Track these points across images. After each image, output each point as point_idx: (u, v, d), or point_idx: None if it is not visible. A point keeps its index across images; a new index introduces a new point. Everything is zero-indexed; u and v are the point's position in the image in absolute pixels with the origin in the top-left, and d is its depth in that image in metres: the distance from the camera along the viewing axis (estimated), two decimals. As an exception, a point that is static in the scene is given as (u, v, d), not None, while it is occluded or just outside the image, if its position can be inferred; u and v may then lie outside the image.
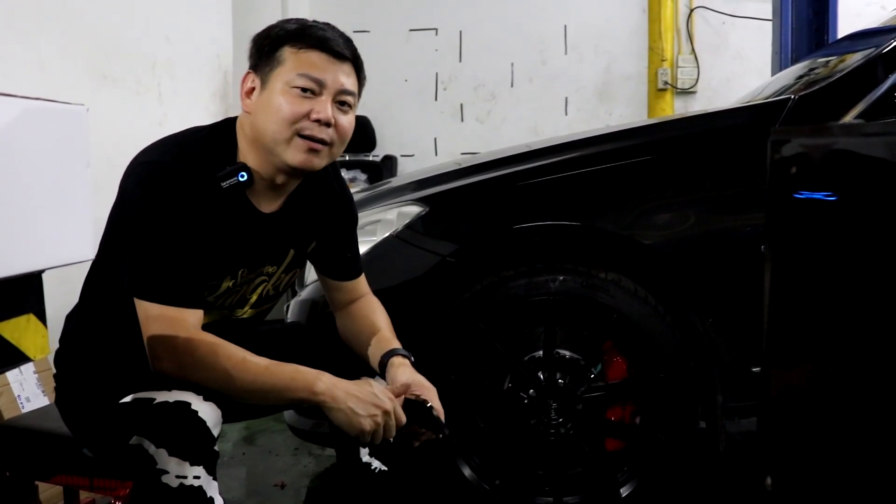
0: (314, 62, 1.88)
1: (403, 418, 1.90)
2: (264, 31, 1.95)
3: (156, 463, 1.69)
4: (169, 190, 1.81)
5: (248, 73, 1.95)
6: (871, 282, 1.28)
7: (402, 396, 1.96)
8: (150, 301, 1.80)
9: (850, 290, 1.30)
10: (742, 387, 2.60)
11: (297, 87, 1.87)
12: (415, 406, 2.00)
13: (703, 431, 2.66)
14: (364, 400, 1.84)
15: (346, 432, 1.88)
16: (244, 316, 2.10)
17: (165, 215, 1.80)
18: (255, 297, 2.09)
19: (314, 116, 1.86)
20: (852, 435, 1.31)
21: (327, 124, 1.88)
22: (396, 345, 2.12)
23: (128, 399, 1.78)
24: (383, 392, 1.88)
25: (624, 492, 2.69)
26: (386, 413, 1.86)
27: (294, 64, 1.87)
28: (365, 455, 2.10)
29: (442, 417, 2.05)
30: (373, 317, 2.19)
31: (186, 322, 1.80)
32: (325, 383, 1.83)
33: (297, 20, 1.95)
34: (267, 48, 1.91)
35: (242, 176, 1.88)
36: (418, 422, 2.03)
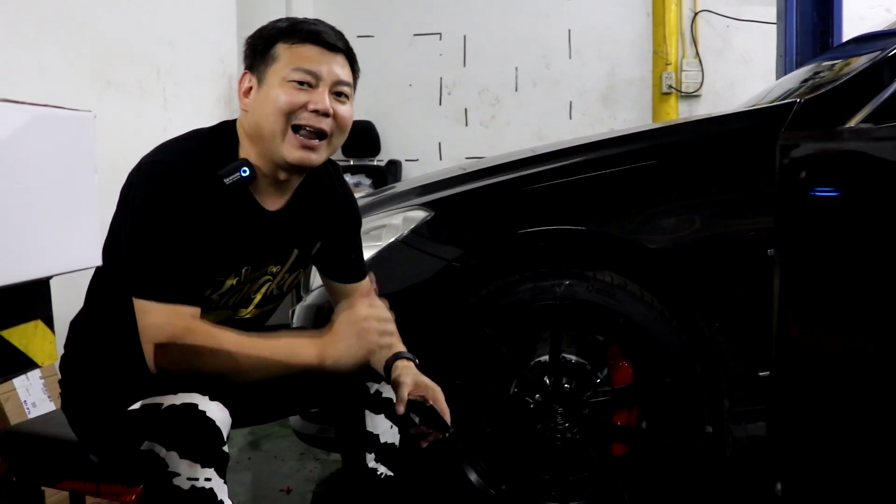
0: (308, 55, 1.90)
1: (385, 313, 1.96)
2: (257, 31, 1.97)
3: (167, 466, 1.69)
4: (171, 187, 1.82)
5: (245, 73, 1.97)
6: (881, 285, 1.27)
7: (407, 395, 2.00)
8: (148, 299, 1.81)
9: (861, 293, 1.30)
10: (749, 391, 2.59)
11: (294, 81, 1.88)
12: (419, 406, 2.01)
13: (709, 436, 2.65)
14: (351, 334, 1.90)
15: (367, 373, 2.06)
16: (248, 316, 2.10)
17: (167, 212, 1.81)
18: (258, 297, 2.09)
19: (312, 107, 1.88)
20: (863, 440, 1.31)
21: (325, 114, 1.89)
22: (401, 348, 2.13)
23: (136, 406, 1.78)
24: (349, 315, 1.92)
25: (630, 496, 2.68)
26: (365, 320, 1.91)
27: (289, 59, 1.89)
28: (371, 460, 2.10)
29: (447, 417, 2.05)
30: None
31: (182, 316, 1.82)
32: (317, 347, 1.88)
33: (288, 18, 1.97)
34: (261, 47, 1.93)
35: (245, 171, 1.89)
36: (424, 422, 2.04)
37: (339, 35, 1.97)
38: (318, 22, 1.96)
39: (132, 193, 1.86)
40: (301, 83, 1.88)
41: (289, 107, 1.87)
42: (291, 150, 1.89)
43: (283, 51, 1.90)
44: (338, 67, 1.93)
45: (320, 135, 1.91)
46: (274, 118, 1.88)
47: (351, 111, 1.98)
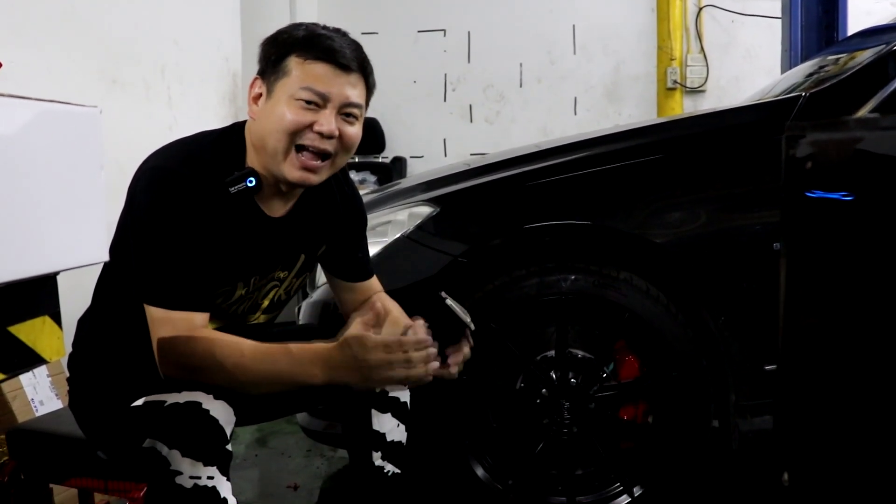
0: (319, 75, 1.85)
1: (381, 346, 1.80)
2: (272, 36, 1.93)
3: (169, 464, 1.69)
4: (175, 194, 1.80)
5: (256, 78, 1.93)
6: (887, 277, 1.27)
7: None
8: (156, 306, 1.81)
9: (867, 285, 1.30)
10: (755, 385, 2.59)
11: (302, 100, 1.85)
12: (432, 306, 1.89)
13: (715, 430, 2.65)
14: (357, 367, 1.79)
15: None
16: (257, 321, 2.10)
17: (171, 220, 1.80)
18: (266, 303, 2.09)
19: (317, 129, 1.85)
20: (869, 431, 1.31)
21: (330, 137, 1.86)
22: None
23: (139, 402, 1.78)
24: (353, 339, 1.80)
25: (637, 491, 2.68)
26: (367, 367, 1.79)
27: (299, 76, 1.85)
28: (378, 459, 2.10)
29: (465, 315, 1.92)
30: (386, 303, 2.16)
31: (191, 324, 1.81)
32: (324, 370, 1.79)
33: (307, 26, 1.92)
34: (274, 57, 1.89)
35: (251, 181, 1.87)
36: (439, 327, 1.89)
37: (356, 51, 1.91)
38: (334, 35, 1.90)
39: (136, 197, 1.85)
40: (309, 102, 1.85)
41: (294, 126, 1.84)
42: (291, 170, 1.87)
43: (294, 65, 1.86)
44: (349, 88, 1.88)
45: (324, 156, 1.88)
46: (278, 136, 1.85)
47: (359, 131, 1.93)
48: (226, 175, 1.87)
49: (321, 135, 1.85)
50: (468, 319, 1.88)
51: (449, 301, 1.88)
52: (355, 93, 1.90)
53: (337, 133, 1.87)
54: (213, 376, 1.78)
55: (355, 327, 1.86)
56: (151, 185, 1.83)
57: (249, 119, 1.95)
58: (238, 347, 1.80)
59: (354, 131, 1.92)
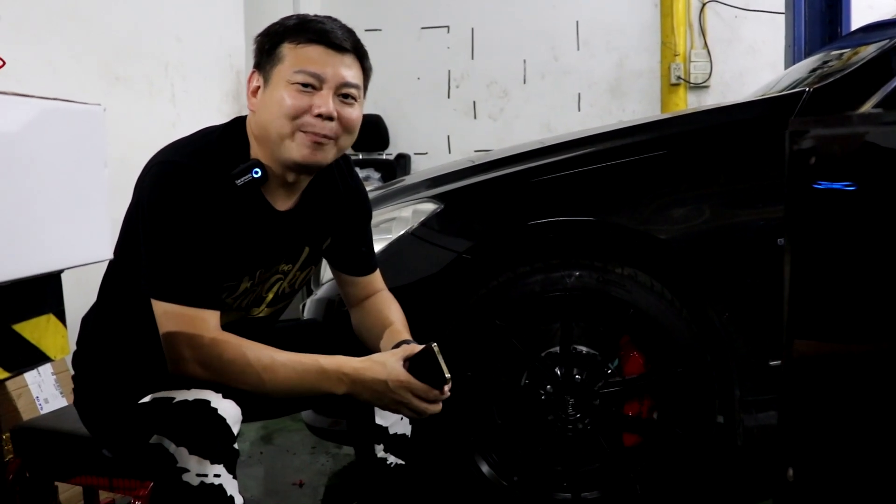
0: (313, 57, 1.87)
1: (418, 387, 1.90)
2: (265, 29, 1.95)
3: (176, 461, 1.69)
4: (185, 188, 1.80)
5: (253, 71, 1.95)
6: (891, 273, 1.27)
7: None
8: (168, 302, 1.80)
9: (872, 281, 1.30)
10: (759, 381, 2.59)
11: (298, 83, 1.85)
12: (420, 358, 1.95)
13: (720, 426, 2.65)
14: (381, 394, 1.89)
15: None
16: (260, 315, 2.09)
17: (183, 214, 1.80)
18: (270, 296, 2.09)
19: (315, 111, 1.85)
20: (875, 425, 1.31)
21: (329, 118, 1.87)
22: (407, 337, 2.10)
23: (147, 399, 1.78)
24: (393, 379, 1.89)
25: (641, 487, 2.68)
26: (392, 399, 1.90)
27: (293, 60, 1.86)
28: (381, 451, 2.11)
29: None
30: (386, 312, 2.18)
31: (207, 324, 1.80)
32: (346, 384, 1.86)
33: (297, 16, 1.94)
34: (267, 46, 1.90)
35: (256, 172, 1.87)
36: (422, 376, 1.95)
37: (348, 34, 1.93)
38: (326, 20, 1.92)
39: (143, 194, 1.85)
40: (305, 85, 1.86)
41: (293, 111, 1.85)
42: (300, 150, 1.87)
43: (288, 51, 1.87)
44: (344, 69, 1.89)
45: (325, 137, 1.89)
46: (280, 122, 1.86)
47: (358, 113, 1.94)
48: (232, 168, 1.87)
49: (321, 117, 1.86)
50: (448, 375, 1.92)
51: (437, 353, 1.92)
52: (351, 73, 1.91)
53: (335, 115, 1.87)
54: (239, 379, 1.79)
55: (399, 364, 1.91)
56: (161, 179, 1.83)
57: (250, 112, 1.96)
58: (269, 353, 1.83)
59: (353, 113, 1.92)
